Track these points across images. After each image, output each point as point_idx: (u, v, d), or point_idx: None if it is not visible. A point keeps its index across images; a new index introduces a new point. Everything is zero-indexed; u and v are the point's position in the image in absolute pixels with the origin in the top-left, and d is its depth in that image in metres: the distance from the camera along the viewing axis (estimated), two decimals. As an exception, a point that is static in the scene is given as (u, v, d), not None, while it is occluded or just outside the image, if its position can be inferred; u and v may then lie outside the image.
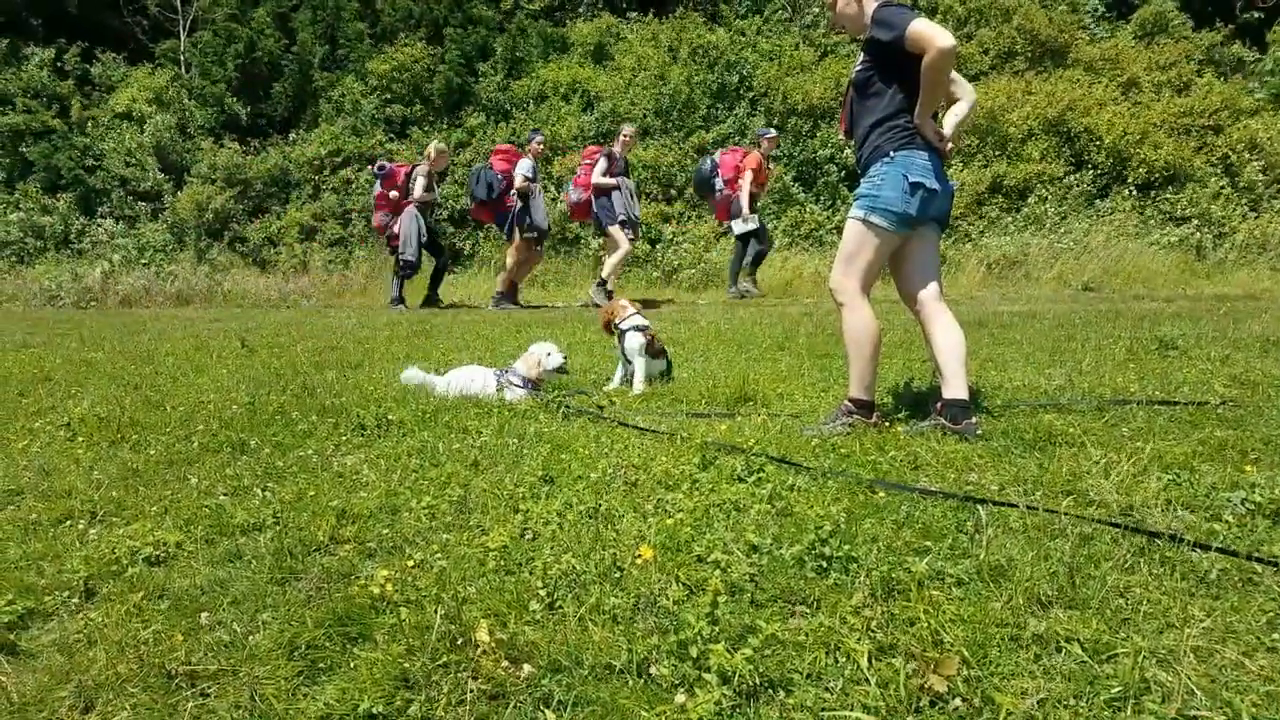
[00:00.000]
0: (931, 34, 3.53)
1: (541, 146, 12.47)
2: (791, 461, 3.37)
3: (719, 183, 12.32)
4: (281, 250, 18.35)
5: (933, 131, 3.83)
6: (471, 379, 5.14)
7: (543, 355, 5.09)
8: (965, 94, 4.00)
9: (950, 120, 3.96)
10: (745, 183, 12.04)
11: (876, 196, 3.81)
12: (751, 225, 12.21)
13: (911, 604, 2.05)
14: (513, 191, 11.74)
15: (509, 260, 12.26)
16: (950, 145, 3.92)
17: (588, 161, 11.66)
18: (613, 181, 11.42)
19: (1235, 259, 13.32)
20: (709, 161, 12.55)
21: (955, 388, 3.82)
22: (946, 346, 3.88)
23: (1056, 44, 17.59)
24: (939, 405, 3.88)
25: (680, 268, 15.35)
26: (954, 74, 3.89)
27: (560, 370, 5.19)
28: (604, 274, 11.78)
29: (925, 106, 3.75)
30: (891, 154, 3.80)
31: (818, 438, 3.80)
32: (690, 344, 7.61)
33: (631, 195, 11.71)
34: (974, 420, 3.76)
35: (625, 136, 11.78)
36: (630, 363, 5.32)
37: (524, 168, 11.74)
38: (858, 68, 3.97)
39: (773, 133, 13.02)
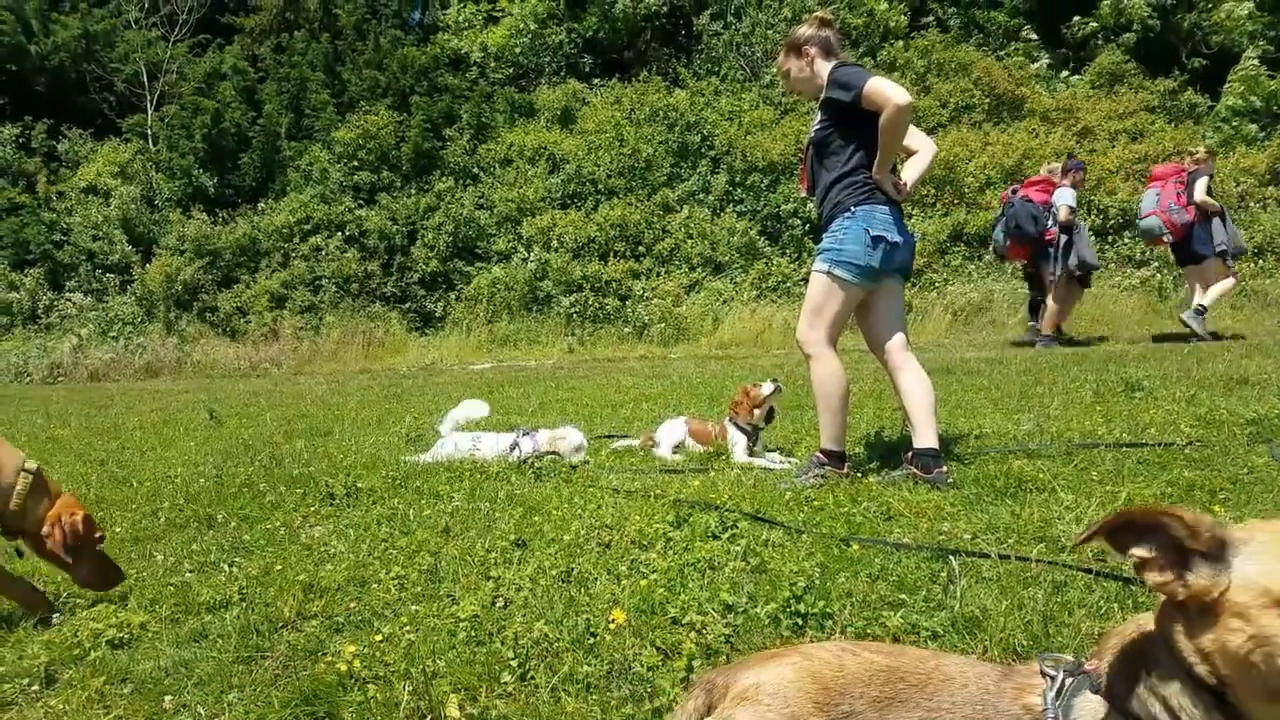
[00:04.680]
0: (889, 92, 3.63)
1: (1083, 175, 11.17)
2: (765, 517, 3.36)
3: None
4: (251, 319, 18.23)
5: (892, 185, 3.91)
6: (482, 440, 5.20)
7: (570, 445, 5.06)
8: (924, 147, 4.10)
9: (910, 173, 4.05)
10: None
11: (840, 250, 3.87)
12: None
13: (887, 659, 2.03)
14: (1052, 225, 10.38)
15: (1051, 300, 10.66)
16: (908, 192, 4.00)
17: (1176, 179, 10.09)
18: (1216, 204, 9.92)
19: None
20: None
21: (925, 437, 3.84)
22: (915, 396, 3.91)
23: (1013, 95, 18.09)
24: (909, 455, 3.90)
25: (650, 323, 15.43)
26: (912, 128, 4.00)
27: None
28: (1205, 301, 10.09)
29: (883, 162, 3.83)
30: (853, 209, 3.87)
31: (791, 491, 3.80)
32: (662, 398, 7.62)
33: (1229, 219, 10.05)
34: (945, 469, 3.77)
35: (1202, 156, 10.15)
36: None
37: (1066, 197, 10.42)
38: (816, 127, 4.06)
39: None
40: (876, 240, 3.81)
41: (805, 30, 4.07)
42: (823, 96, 3.96)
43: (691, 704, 1.39)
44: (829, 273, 3.91)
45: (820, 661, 1.34)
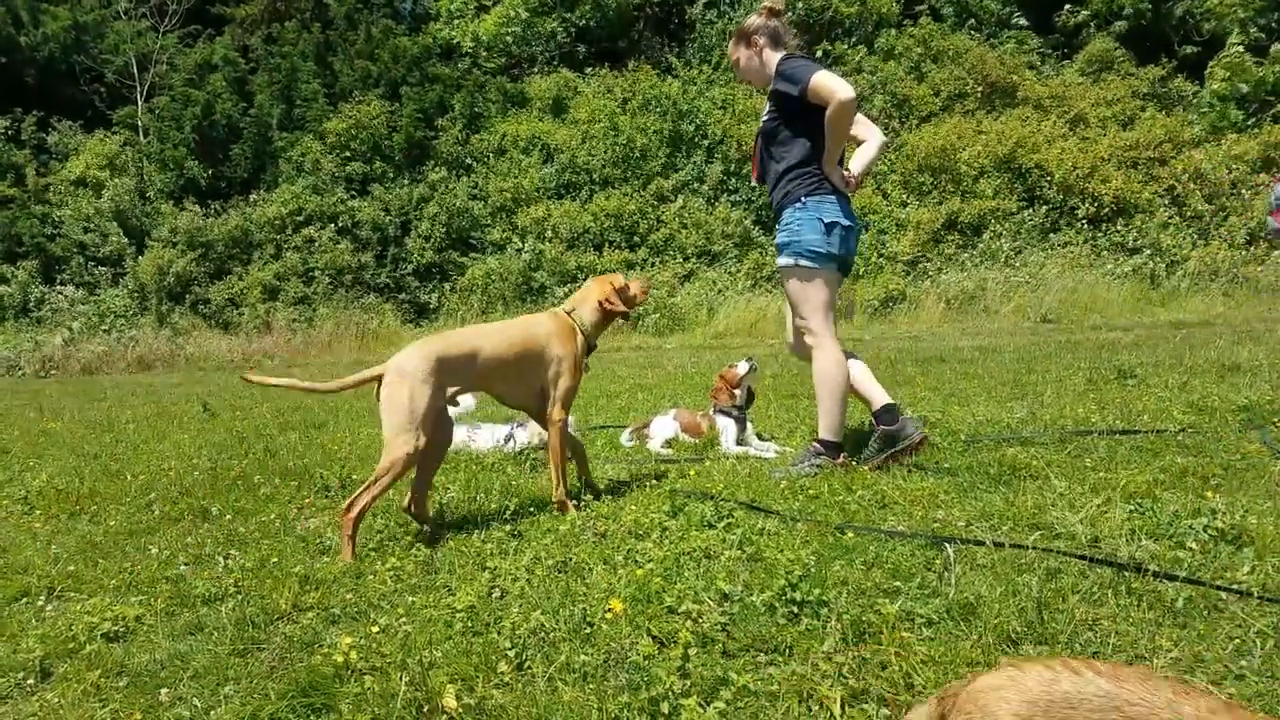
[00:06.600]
0: (833, 87, 3.65)
1: None
2: (761, 506, 3.37)
3: None
4: (244, 311, 18.19)
5: (840, 178, 3.96)
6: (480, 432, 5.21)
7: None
8: (872, 136, 4.14)
9: (856, 163, 4.09)
10: None
11: (799, 241, 3.91)
12: None
13: (883, 647, 2.03)
14: None
15: None
16: (855, 183, 4.04)
17: None
18: None
19: (1188, 286, 13.59)
20: None
21: (877, 398, 3.98)
22: (855, 377, 4.02)
23: (1006, 83, 18.08)
24: (876, 423, 3.98)
25: (645, 313, 15.42)
26: (861, 117, 4.05)
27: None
28: None
29: (830, 154, 3.88)
30: (803, 199, 3.92)
31: (786, 480, 3.81)
32: (658, 388, 7.62)
33: None
34: (908, 415, 3.92)
35: None
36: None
37: None
38: (765, 117, 4.09)
39: None
40: (830, 226, 3.86)
41: (754, 20, 4.09)
42: (770, 88, 3.98)
43: (925, 709, 1.43)
44: (795, 265, 3.95)
45: (1047, 681, 1.26)
